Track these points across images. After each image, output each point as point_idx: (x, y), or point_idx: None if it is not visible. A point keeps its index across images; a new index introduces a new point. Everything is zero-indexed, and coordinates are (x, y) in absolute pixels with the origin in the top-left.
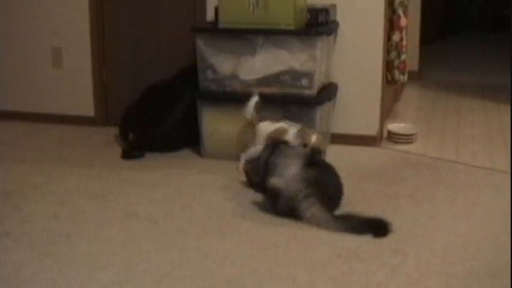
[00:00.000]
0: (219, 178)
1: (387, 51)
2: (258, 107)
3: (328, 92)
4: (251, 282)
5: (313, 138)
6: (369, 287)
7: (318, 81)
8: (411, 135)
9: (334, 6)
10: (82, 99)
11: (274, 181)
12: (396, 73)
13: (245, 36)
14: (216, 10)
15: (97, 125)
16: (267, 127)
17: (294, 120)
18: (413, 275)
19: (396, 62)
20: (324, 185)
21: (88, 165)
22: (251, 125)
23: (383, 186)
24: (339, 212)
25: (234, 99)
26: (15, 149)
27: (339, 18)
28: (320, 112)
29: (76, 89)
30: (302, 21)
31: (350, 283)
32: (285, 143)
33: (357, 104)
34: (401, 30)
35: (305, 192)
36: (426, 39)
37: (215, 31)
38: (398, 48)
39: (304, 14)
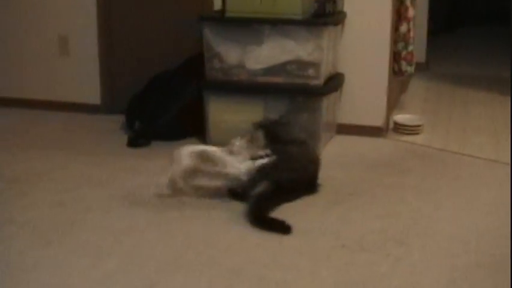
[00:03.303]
0: None
1: (394, 42)
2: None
3: (335, 82)
4: (255, 271)
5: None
6: (373, 278)
7: (324, 71)
8: (418, 126)
9: None
10: (88, 87)
11: None
12: (403, 64)
13: (252, 26)
14: None
15: (103, 112)
16: None
17: (300, 110)
18: (417, 266)
19: (404, 53)
20: None
21: (93, 152)
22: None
23: (388, 177)
24: None
25: (241, 88)
26: (21, 136)
27: (346, 8)
28: (326, 102)
29: (82, 76)
30: (309, 10)
31: (353, 273)
32: None
33: (364, 94)
34: (408, 21)
35: None
36: (433, 31)
37: (222, 20)
38: (405, 39)
39: (311, 3)
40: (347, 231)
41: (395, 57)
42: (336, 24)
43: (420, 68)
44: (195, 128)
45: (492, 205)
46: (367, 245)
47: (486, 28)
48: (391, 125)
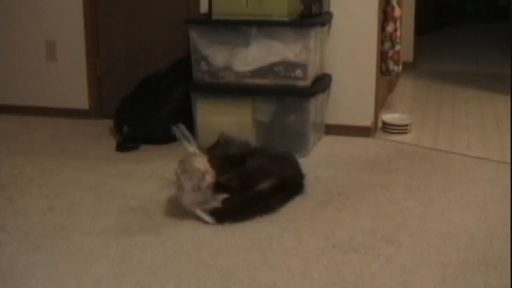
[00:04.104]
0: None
1: (381, 41)
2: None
3: (322, 83)
4: (246, 273)
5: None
6: (364, 277)
7: (312, 72)
8: (406, 125)
9: None
10: (76, 92)
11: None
12: (391, 64)
13: (239, 28)
14: (210, 1)
15: (91, 117)
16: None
17: (288, 111)
18: (408, 265)
19: (391, 53)
20: None
21: (82, 157)
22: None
23: (377, 176)
24: None
25: (228, 90)
26: (10, 142)
27: (332, 8)
28: (314, 103)
29: (70, 82)
30: (296, 12)
31: (344, 273)
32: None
33: (352, 94)
34: (395, 20)
35: None
36: (421, 29)
37: (208, 23)
38: (392, 39)
39: (297, 4)
40: (337, 231)
41: (382, 56)
42: (322, 25)
43: (408, 66)
44: None
45: (482, 203)
46: (357, 245)
47: (473, 26)
48: (379, 125)
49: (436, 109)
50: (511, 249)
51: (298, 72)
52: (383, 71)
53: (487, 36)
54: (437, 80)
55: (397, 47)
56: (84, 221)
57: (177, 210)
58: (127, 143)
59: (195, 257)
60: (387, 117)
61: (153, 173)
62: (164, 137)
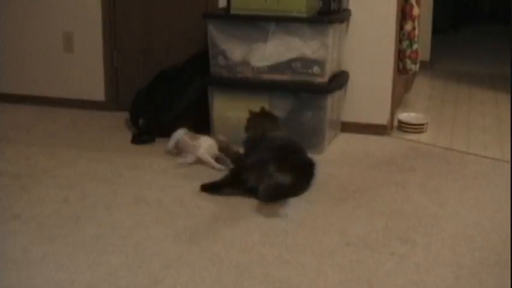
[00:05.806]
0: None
1: (399, 40)
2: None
3: (339, 80)
4: (259, 268)
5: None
6: (378, 276)
7: (329, 69)
8: (422, 125)
9: None
10: (92, 83)
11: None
12: (408, 62)
13: (257, 23)
14: None
15: (107, 109)
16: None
17: (305, 108)
18: (422, 264)
19: (408, 51)
20: None
21: (98, 149)
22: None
23: (392, 175)
24: None
25: (245, 85)
26: (26, 133)
27: (351, 6)
28: (330, 100)
29: (87, 73)
30: (314, 8)
31: (358, 271)
32: None
33: (368, 92)
34: (413, 19)
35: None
36: (438, 29)
37: (227, 17)
38: (410, 38)
39: (316, 1)
40: (351, 229)
41: (400, 55)
42: (341, 22)
43: (425, 66)
44: (200, 124)
45: (497, 203)
46: (372, 243)
47: (490, 26)
48: (395, 124)
49: (452, 109)
50: (511, 249)
51: (316, 69)
52: (400, 69)
53: (504, 37)
54: (453, 80)
55: (415, 46)
56: (98, 212)
57: (192, 203)
58: (142, 136)
59: (209, 251)
60: (404, 116)
61: (168, 165)
62: None
